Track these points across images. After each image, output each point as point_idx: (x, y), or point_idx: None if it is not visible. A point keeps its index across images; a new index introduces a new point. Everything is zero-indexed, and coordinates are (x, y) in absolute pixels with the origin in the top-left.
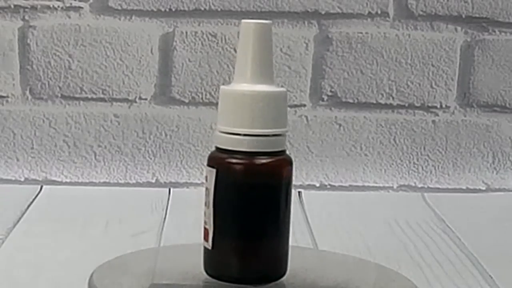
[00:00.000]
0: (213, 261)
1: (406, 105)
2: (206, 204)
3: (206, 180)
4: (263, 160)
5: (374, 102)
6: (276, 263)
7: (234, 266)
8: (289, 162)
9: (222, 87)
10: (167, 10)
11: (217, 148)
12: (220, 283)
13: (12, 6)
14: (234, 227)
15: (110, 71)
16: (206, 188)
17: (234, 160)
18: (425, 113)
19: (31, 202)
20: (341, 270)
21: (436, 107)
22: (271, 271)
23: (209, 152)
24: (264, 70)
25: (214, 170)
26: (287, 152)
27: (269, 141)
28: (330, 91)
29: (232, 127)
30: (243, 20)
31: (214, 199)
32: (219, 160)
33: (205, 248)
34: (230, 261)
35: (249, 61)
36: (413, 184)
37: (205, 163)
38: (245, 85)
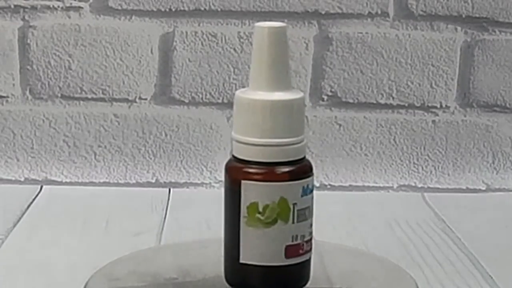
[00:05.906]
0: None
1: (406, 105)
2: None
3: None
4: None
5: (374, 102)
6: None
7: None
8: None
9: (237, 93)
10: (167, 10)
11: (235, 158)
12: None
13: (12, 6)
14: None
15: (110, 71)
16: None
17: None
18: (425, 113)
19: (31, 202)
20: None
21: (436, 107)
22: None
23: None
24: (280, 75)
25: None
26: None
27: (289, 150)
28: (330, 91)
29: (250, 137)
30: (256, 24)
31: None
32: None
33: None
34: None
35: (264, 67)
36: (413, 184)
37: (205, 163)
38: (261, 93)
